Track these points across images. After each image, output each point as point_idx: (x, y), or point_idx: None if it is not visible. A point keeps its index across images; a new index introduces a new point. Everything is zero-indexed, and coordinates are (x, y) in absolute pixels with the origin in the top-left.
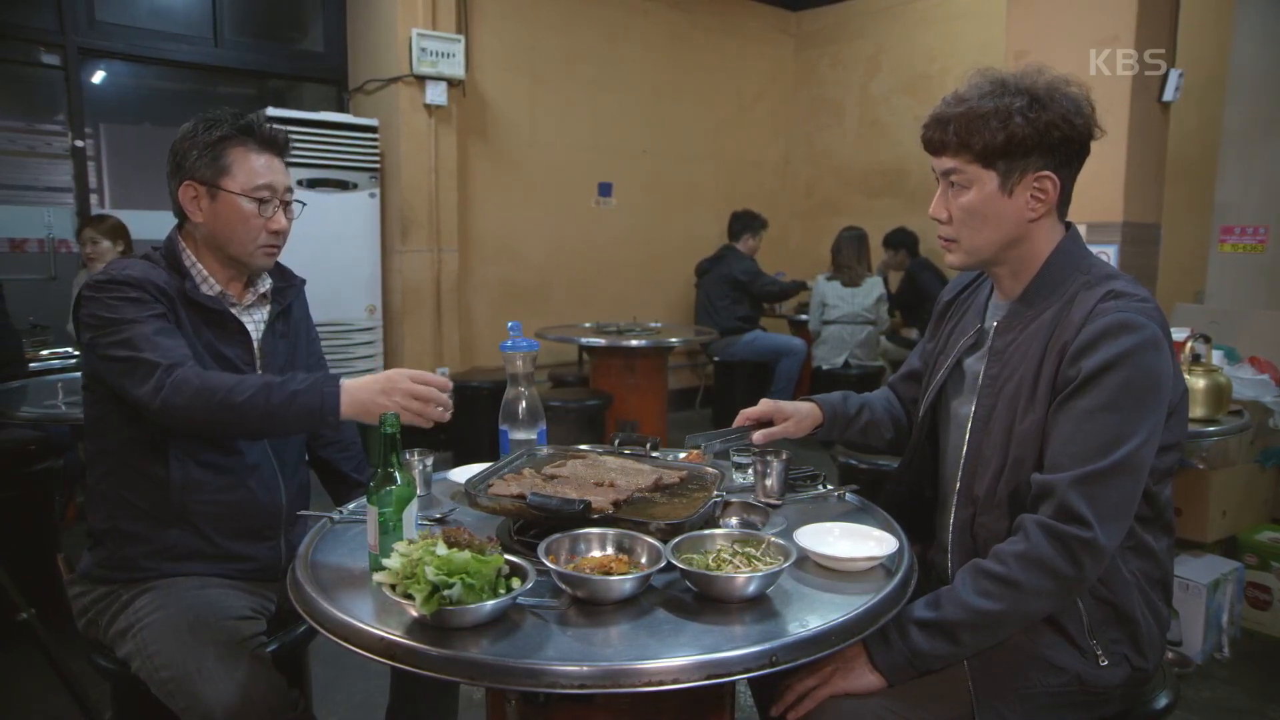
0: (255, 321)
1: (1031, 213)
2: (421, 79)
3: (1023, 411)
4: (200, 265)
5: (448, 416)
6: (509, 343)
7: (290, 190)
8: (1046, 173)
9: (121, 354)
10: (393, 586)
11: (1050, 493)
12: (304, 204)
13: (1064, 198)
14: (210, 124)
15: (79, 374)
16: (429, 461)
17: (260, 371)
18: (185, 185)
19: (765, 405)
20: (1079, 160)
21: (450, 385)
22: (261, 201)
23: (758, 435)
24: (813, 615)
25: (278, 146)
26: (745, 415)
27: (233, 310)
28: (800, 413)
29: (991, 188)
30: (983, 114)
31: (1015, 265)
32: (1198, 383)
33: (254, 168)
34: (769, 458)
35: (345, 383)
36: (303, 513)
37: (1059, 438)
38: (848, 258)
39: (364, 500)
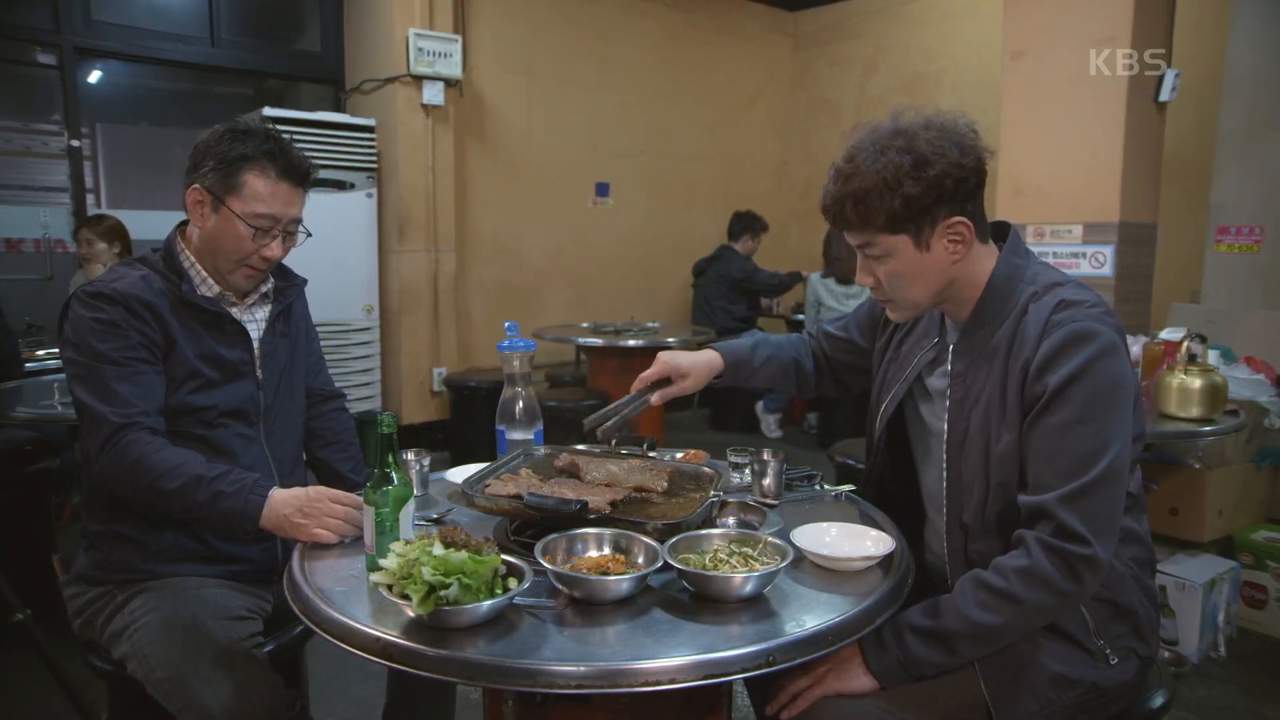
0: (257, 321)
1: (955, 256)
2: (419, 79)
3: (996, 433)
4: (199, 266)
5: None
6: (506, 343)
7: (297, 221)
8: (955, 218)
9: (80, 397)
10: (389, 587)
11: (1044, 514)
12: (309, 234)
13: (980, 226)
14: (237, 137)
15: None
16: (426, 461)
17: (260, 374)
18: (193, 188)
19: (660, 364)
20: (980, 187)
21: (361, 503)
22: (259, 230)
23: (655, 398)
24: (809, 615)
25: (298, 177)
26: (641, 379)
27: (233, 311)
28: (699, 367)
29: (908, 250)
30: (872, 187)
31: (956, 299)
32: (1194, 382)
33: (264, 195)
34: (766, 458)
35: (273, 494)
36: None
37: (1039, 456)
38: (838, 250)
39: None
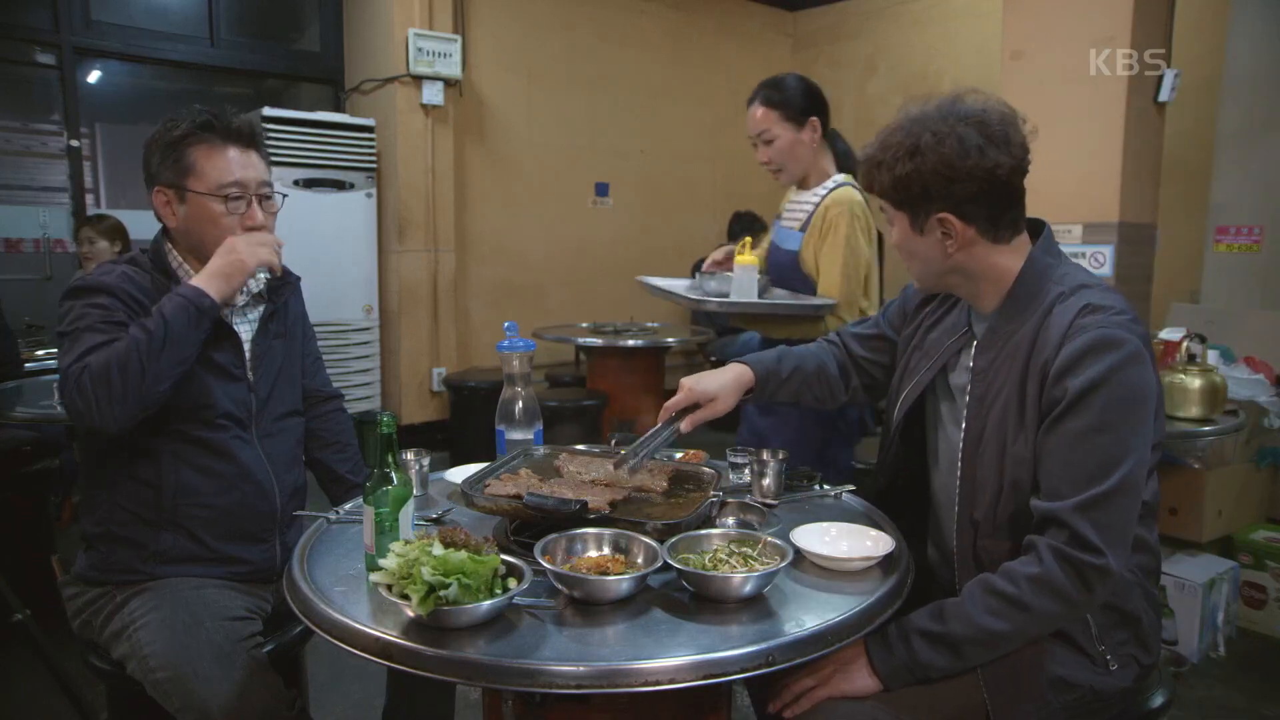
0: (249, 322)
1: (948, 248)
2: (418, 79)
3: (1013, 434)
4: (187, 266)
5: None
6: (506, 343)
7: (266, 184)
8: (944, 214)
9: (62, 365)
10: (389, 587)
11: (1057, 521)
12: (285, 195)
13: (990, 227)
14: (171, 124)
15: None
16: (426, 461)
17: (252, 377)
18: (156, 191)
19: (685, 391)
20: (989, 194)
21: (281, 242)
22: (230, 199)
23: (684, 424)
24: (809, 615)
25: (244, 138)
26: (667, 408)
27: (224, 313)
28: (726, 387)
29: (905, 227)
30: (877, 161)
31: (974, 291)
32: (1193, 382)
33: (219, 164)
34: (766, 458)
35: (195, 279)
36: (299, 513)
37: (1055, 461)
38: None
39: (361, 500)
